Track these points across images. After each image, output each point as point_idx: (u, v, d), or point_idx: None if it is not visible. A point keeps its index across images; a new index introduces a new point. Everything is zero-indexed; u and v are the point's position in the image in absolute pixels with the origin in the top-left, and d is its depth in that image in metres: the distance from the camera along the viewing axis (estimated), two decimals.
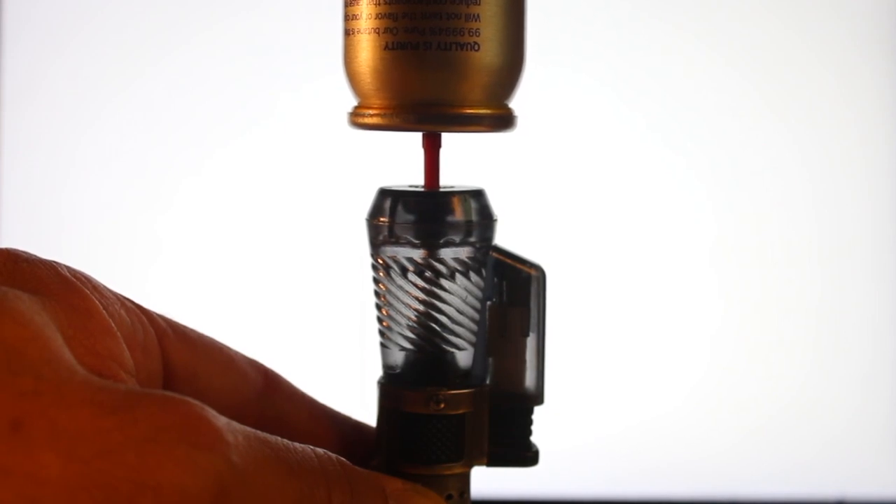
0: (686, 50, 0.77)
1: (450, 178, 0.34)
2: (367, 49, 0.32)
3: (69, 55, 0.77)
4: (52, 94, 0.77)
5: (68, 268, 0.29)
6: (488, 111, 0.32)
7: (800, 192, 0.78)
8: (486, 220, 0.33)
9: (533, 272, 0.34)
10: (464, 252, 0.33)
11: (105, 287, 0.30)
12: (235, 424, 0.26)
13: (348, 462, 0.30)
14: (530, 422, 0.35)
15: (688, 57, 0.77)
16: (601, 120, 0.77)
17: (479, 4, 0.31)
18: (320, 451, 0.29)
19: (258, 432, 0.27)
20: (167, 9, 0.77)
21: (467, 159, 0.38)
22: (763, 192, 0.78)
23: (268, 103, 0.77)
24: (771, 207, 0.78)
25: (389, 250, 0.33)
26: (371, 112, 0.32)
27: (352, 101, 0.33)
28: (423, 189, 0.33)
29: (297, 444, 0.28)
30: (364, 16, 0.31)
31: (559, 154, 0.77)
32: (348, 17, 0.32)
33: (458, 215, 0.33)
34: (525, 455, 0.35)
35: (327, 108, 0.65)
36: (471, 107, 0.32)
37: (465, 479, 0.34)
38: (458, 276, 0.33)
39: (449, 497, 0.33)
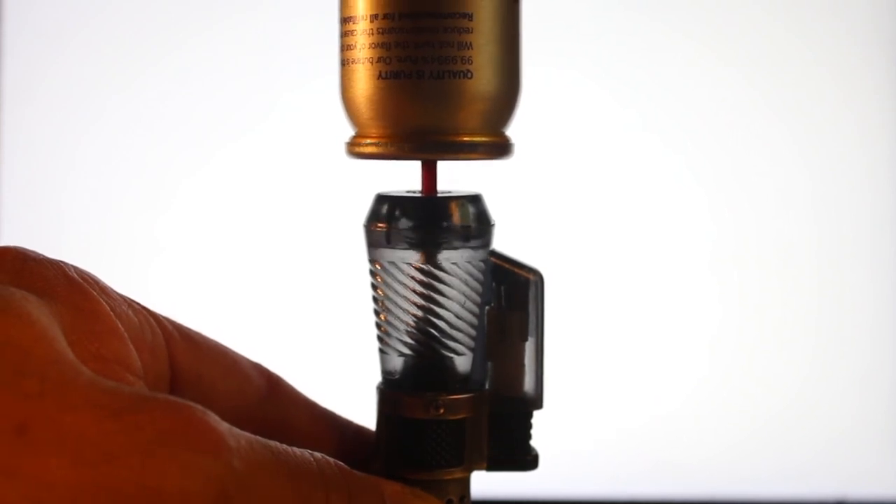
0: (684, 50, 0.77)
1: (447, 184, 0.34)
2: (362, 79, 0.32)
3: (69, 55, 0.77)
4: (52, 94, 0.77)
5: (76, 268, 0.29)
6: (484, 139, 0.32)
7: (800, 193, 0.78)
8: (484, 224, 0.33)
9: (531, 277, 0.34)
10: (462, 257, 0.33)
11: (112, 289, 0.30)
12: (237, 430, 0.26)
13: (346, 466, 0.30)
14: (530, 426, 0.35)
15: (686, 58, 0.77)
16: (599, 123, 0.77)
17: (471, 32, 0.31)
18: (318, 455, 0.29)
19: (259, 438, 0.27)
20: (167, 9, 0.77)
21: (464, 164, 0.38)
22: (762, 193, 0.78)
23: (268, 103, 0.77)
24: (770, 208, 0.78)
25: (387, 255, 0.33)
26: (368, 141, 0.32)
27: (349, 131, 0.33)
28: (420, 194, 0.33)
29: (295, 449, 0.28)
30: (358, 45, 0.31)
31: (557, 158, 0.77)
32: (344, 48, 0.32)
33: (456, 220, 0.33)
34: (525, 459, 0.35)
35: (327, 109, 0.65)
36: (466, 134, 0.32)
37: (465, 484, 0.34)
38: (456, 281, 0.33)
39: (449, 502, 0.33)
